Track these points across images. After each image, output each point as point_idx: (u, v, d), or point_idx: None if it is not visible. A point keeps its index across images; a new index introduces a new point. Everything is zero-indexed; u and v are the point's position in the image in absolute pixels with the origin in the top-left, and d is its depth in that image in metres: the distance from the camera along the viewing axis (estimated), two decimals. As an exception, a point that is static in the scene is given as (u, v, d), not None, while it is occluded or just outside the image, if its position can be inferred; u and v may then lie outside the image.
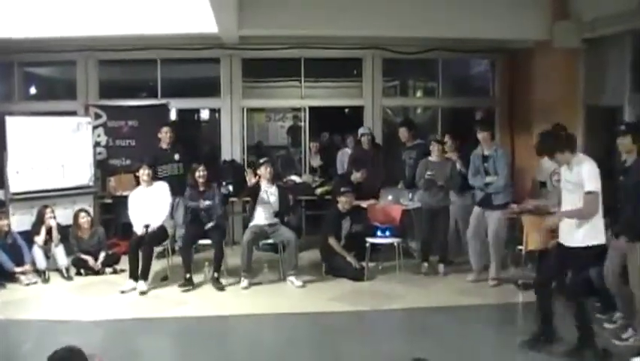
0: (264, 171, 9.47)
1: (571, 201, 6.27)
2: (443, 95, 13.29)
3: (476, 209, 9.09)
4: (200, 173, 9.45)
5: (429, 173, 9.45)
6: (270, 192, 9.47)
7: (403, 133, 10.66)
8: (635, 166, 6.62)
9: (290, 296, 8.79)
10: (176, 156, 10.50)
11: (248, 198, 9.80)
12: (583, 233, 6.14)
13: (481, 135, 8.94)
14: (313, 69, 12.78)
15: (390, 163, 10.99)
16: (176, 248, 10.00)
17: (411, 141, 10.57)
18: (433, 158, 9.60)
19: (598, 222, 6.16)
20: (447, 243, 9.83)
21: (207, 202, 9.34)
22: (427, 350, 6.26)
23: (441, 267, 9.66)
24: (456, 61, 13.46)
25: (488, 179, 8.80)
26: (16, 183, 10.16)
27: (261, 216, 9.40)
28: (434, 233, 9.68)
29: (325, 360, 6.63)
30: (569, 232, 6.26)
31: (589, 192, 6.04)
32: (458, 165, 9.79)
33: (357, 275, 9.32)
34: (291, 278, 9.21)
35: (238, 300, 8.61)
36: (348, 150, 11.74)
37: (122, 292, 8.82)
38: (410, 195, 10.23)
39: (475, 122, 10.26)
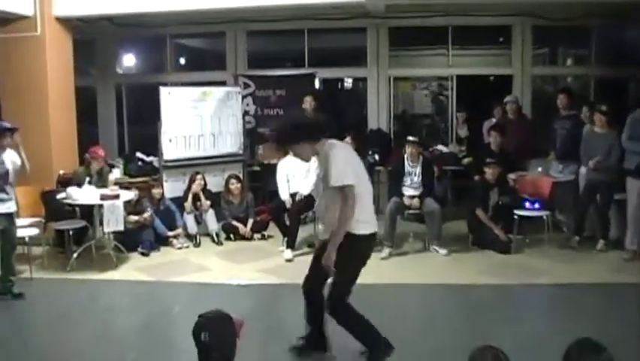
0: (411, 150, 9.40)
1: None
2: (596, 63, 12.65)
3: (635, 182, 8.54)
4: (347, 142, 9.46)
5: (593, 144, 9.01)
6: (414, 168, 9.42)
7: (562, 100, 9.94)
8: None
9: (435, 267, 8.73)
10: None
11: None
12: None
13: None
14: (460, 37, 12.56)
15: (540, 134, 10.60)
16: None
17: (567, 110, 9.94)
18: (597, 129, 9.09)
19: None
20: (609, 219, 9.29)
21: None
22: (579, 330, 6.04)
23: (601, 243, 9.16)
24: (609, 27, 12.70)
25: None
26: (169, 151, 10.53)
27: (406, 188, 9.39)
28: (592, 207, 9.28)
29: (472, 335, 6.34)
30: None
31: None
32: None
33: (505, 248, 9.12)
34: (435, 247, 9.20)
35: (383, 269, 8.53)
36: (494, 120, 11.34)
37: (288, 260, 9.01)
38: (560, 167, 9.81)
39: None
